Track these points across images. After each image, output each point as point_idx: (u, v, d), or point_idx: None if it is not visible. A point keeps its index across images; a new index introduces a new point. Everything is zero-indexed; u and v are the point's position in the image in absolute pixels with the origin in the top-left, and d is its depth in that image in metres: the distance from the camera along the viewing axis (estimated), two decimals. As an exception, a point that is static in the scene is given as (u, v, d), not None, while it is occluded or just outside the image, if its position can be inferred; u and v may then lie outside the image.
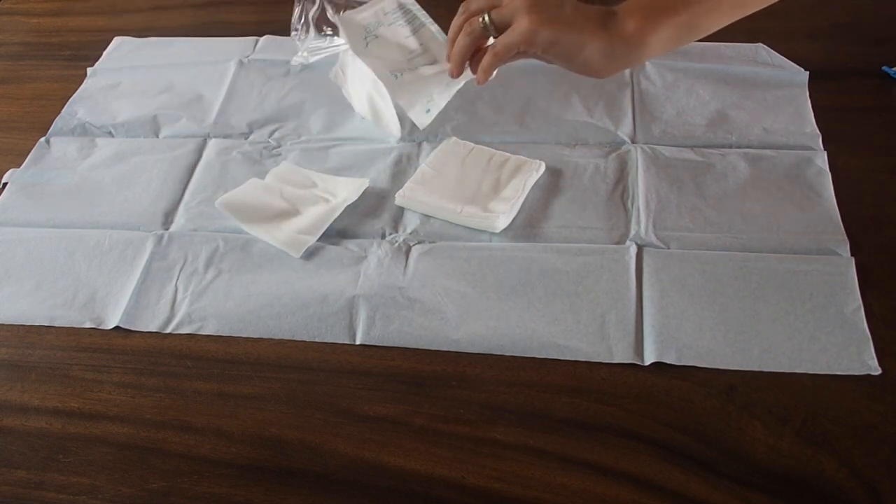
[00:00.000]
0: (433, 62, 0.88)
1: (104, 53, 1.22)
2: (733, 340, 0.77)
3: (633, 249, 0.85)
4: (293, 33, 1.08)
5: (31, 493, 0.72)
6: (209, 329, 0.83)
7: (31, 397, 0.79)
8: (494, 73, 0.83)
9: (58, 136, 1.08)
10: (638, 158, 0.95)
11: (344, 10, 0.92)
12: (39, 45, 1.27)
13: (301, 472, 0.71)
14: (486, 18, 0.80)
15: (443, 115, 1.03)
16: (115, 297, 0.86)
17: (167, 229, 0.93)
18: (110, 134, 1.08)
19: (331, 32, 1.07)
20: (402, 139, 1.02)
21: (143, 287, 0.87)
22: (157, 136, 1.06)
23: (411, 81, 0.87)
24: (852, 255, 0.83)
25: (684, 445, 0.70)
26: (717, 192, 0.90)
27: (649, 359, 0.76)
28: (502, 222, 0.88)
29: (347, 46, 0.91)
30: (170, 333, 0.83)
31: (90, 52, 1.22)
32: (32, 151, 1.05)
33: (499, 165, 0.95)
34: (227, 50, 1.19)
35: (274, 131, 1.05)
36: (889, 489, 0.66)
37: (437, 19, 0.90)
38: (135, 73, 1.17)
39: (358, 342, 0.80)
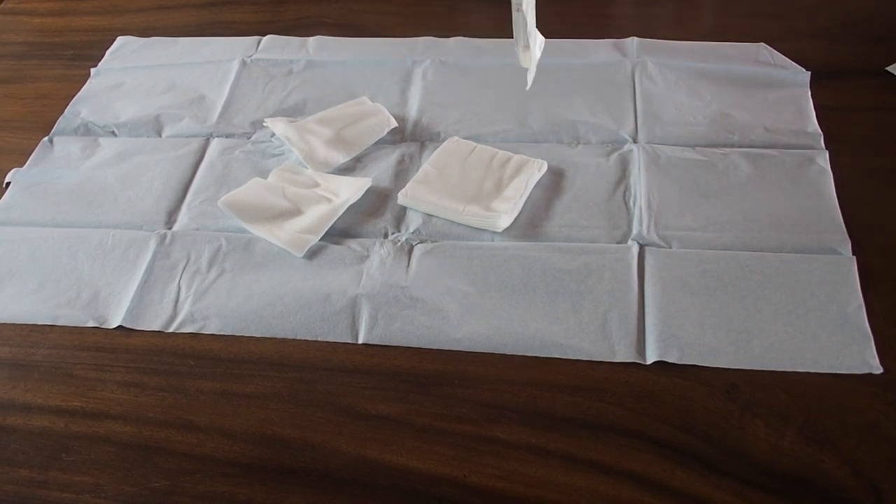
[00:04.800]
0: None
1: (107, 53, 1.22)
2: (735, 339, 0.77)
3: (635, 248, 0.85)
4: None
5: (34, 491, 0.72)
6: (212, 328, 0.83)
7: (35, 396, 0.79)
8: None
9: (61, 136, 1.08)
10: (640, 158, 0.95)
11: None
12: (42, 45, 1.27)
13: (303, 470, 0.71)
14: None
15: (444, 114, 1.04)
16: (118, 296, 0.87)
17: (170, 229, 0.93)
18: (113, 133, 1.08)
19: None
20: (404, 139, 1.02)
21: (146, 286, 0.87)
22: (160, 136, 1.07)
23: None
24: (854, 254, 0.83)
25: (686, 444, 0.70)
26: (718, 191, 0.91)
27: (651, 357, 0.76)
28: (504, 221, 0.88)
29: None
30: (172, 332, 0.83)
31: (93, 51, 1.23)
32: (35, 151, 1.05)
33: (501, 165, 0.95)
34: (230, 49, 1.19)
35: (276, 131, 1.05)
36: (891, 488, 0.66)
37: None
38: (138, 73, 1.17)
39: (360, 341, 0.81)
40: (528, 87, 0.87)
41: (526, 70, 0.86)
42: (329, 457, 0.72)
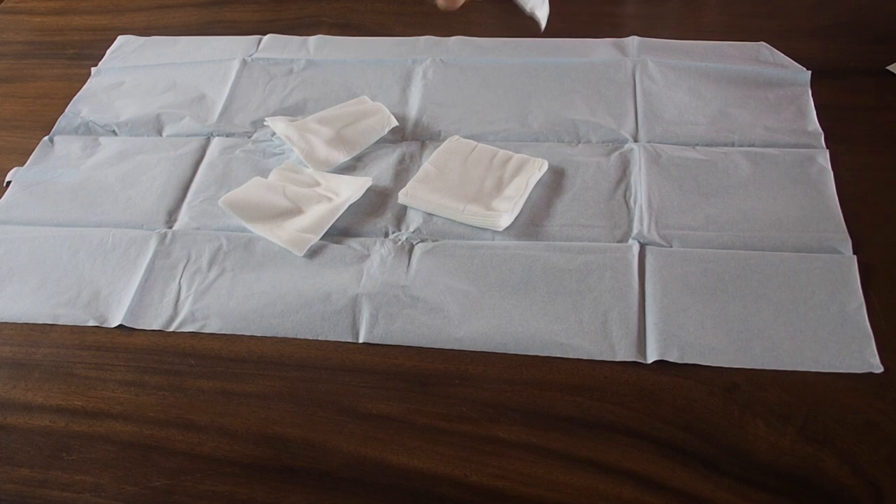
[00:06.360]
0: None
1: (108, 52, 1.22)
2: (735, 339, 0.77)
3: (636, 248, 0.85)
4: None
5: (34, 490, 0.72)
6: (212, 327, 0.83)
7: (35, 395, 0.79)
8: None
9: (61, 135, 1.08)
10: (640, 157, 0.95)
11: None
12: (43, 44, 1.27)
13: (304, 470, 0.71)
14: None
15: (445, 114, 1.04)
16: (119, 295, 0.87)
17: (170, 228, 0.93)
18: (114, 133, 1.08)
19: None
20: (405, 138, 1.02)
21: (147, 285, 0.87)
22: (161, 135, 1.07)
23: None
24: (854, 253, 0.83)
25: (686, 443, 0.70)
26: (719, 190, 0.90)
27: (652, 357, 0.76)
28: (505, 221, 0.88)
29: None
30: (173, 332, 0.83)
31: (93, 50, 1.23)
32: (36, 150, 1.05)
33: (501, 164, 0.95)
34: (231, 48, 1.19)
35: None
36: (891, 487, 0.66)
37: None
38: (138, 72, 1.17)
39: (361, 341, 0.80)
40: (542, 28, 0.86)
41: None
42: (330, 456, 0.72)
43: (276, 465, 0.72)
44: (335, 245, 0.89)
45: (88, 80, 1.17)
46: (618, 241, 0.87)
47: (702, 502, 0.66)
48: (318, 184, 0.95)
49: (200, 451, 0.73)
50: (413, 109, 1.06)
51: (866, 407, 0.71)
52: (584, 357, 0.77)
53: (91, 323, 0.85)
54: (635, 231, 0.87)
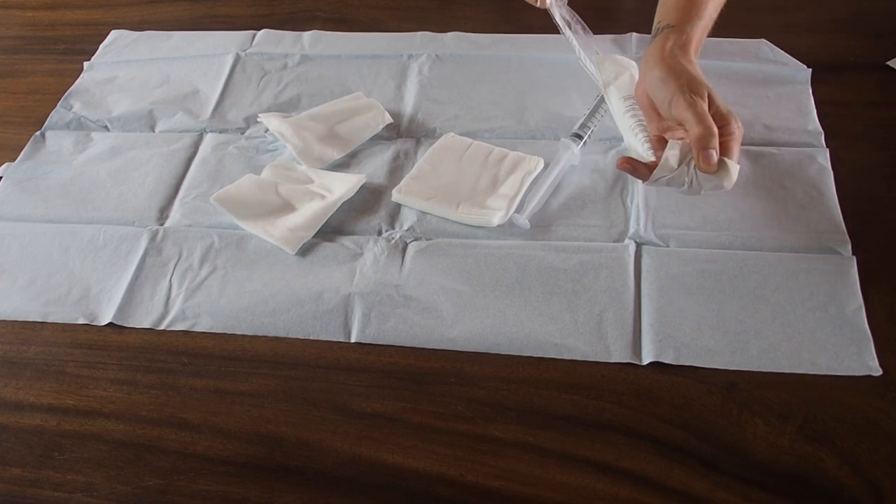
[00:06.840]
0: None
1: (101, 47, 1.21)
2: (732, 340, 0.76)
3: (632, 247, 0.85)
4: None
5: (25, 490, 0.71)
6: (203, 326, 0.82)
7: (27, 394, 0.78)
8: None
9: (53, 130, 1.07)
10: (637, 155, 0.94)
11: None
12: (34, 39, 1.26)
13: (298, 469, 0.71)
14: None
15: (440, 110, 1.03)
16: (109, 292, 0.86)
17: (162, 225, 0.92)
18: (106, 128, 1.07)
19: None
20: (399, 135, 1.01)
21: (138, 283, 0.86)
22: (153, 131, 1.06)
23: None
24: (854, 252, 0.82)
25: (685, 442, 0.70)
26: (717, 188, 0.90)
27: (647, 358, 0.76)
28: (499, 219, 0.87)
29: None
30: (165, 330, 0.82)
31: (85, 45, 1.22)
32: (27, 146, 1.05)
33: (497, 161, 0.94)
34: (225, 43, 1.18)
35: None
36: (891, 486, 0.66)
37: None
38: (131, 67, 1.16)
39: (353, 340, 0.80)
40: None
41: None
42: (324, 455, 0.72)
43: (270, 464, 0.71)
44: (328, 243, 0.88)
45: (81, 75, 1.16)
46: (614, 241, 0.86)
47: (700, 502, 0.66)
48: (311, 181, 0.95)
49: (193, 451, 0.73)
50: (408, 106, 1.05)
51: (866, 406, 0.71)
52: (579, 358, 0.77)
53: (81, 321, 0.84)
54: (632, 230, 0.86)
